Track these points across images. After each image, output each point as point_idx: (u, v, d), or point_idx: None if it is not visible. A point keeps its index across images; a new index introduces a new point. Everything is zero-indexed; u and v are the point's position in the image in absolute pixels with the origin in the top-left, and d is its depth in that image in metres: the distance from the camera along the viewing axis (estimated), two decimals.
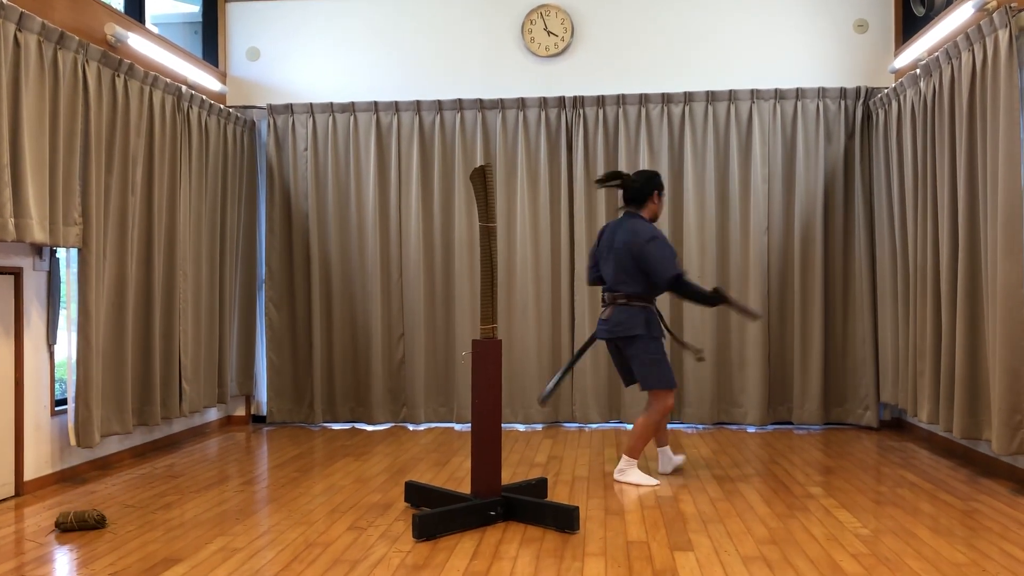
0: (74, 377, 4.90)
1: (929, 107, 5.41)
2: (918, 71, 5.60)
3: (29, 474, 4.69)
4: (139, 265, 5.49)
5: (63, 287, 5.01)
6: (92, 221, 4.91)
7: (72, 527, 3.86)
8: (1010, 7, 4.50)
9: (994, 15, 4.59)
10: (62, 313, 5.01)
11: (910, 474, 4.91)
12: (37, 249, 4.82)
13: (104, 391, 5.15)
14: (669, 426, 6.59)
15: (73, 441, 4.88)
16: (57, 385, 5.04)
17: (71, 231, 4.77)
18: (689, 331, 6.55)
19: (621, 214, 4.93)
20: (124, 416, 5.29)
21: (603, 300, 4.88)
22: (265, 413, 6.97)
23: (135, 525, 3.95)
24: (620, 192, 4.89)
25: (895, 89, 6.00)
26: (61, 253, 5.02)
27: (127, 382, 5.31)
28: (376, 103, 6.83)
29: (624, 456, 4.77)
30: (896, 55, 6.44)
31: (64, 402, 5.06)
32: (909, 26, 6.37)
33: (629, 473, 4.74)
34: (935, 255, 5.35)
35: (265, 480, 4.96)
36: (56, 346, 4.97)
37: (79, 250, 4.90)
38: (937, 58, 5.28)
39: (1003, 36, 4.52)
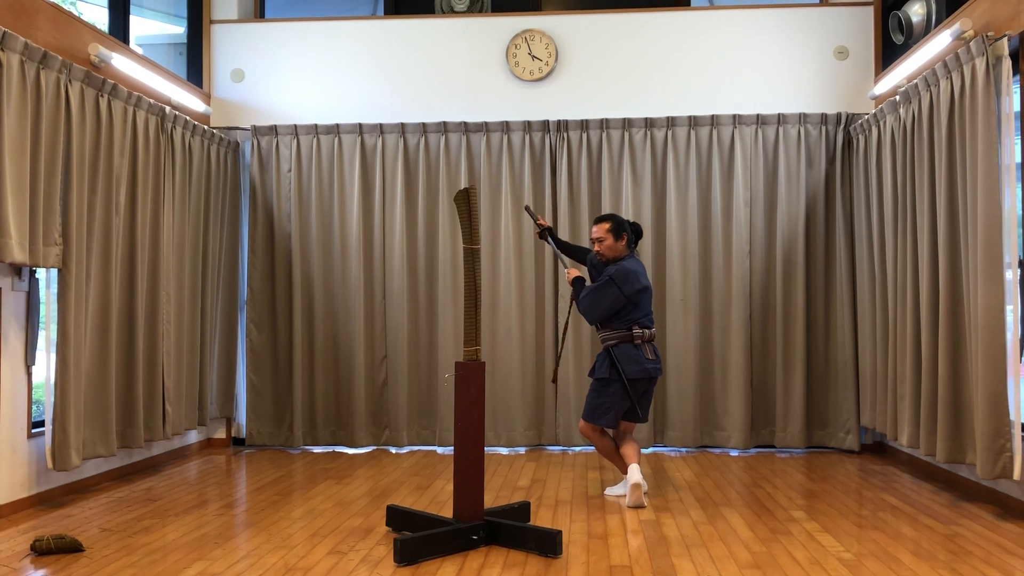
0: (52, 399, 4.84)
1: (909, 133, 5.47)
2: (898, 98, 5.67)
3: (4, 498, 4.61)
4: (122, 286, 5.45)
5: (42, 308, 4.96)
6: (73, 242, 4.87)
7: (49, 547, 3.80)
8: (987, 36, 4.57)
9: (971, 43, 4.66)
10: (41, 334, 4.96)
11: (892, 498, 4.92)
12: (16, 269, 4.77)
13: (87, 414, 5.09)
14: (653, 448, 6.61)
15: (50, 464, 4.81)
16: (35, 407, 4.98)
17: (51, 251, 4.73)
18: (672, 354, 6.57)
19: (630, 252, 5.08)
20: (108, 439, 5.22)
21: (642, 337, 4.90)
22: (245, 436, 6.91)
23: (112, 549, 3.90)
24: (615, 233, 5.02)
25: (875, 115, 6.07)
26: (41, 273, 4.97)
27: (111, 404, 5.25)
28: (361, 125, 6.84)
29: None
30: (876, 82, 6.52)
31: (42, 424, 5.00)
32: (889, 53, 6.46)
33: (619, 487, 5.02)
34: (915, 280, 5.39)
35: (245, 504, 4.91)
36: (34, 367, 4.91)
37: (59, 271, 4.86)
38: (916, 85, 5.35)
39: (980, 64, 4.59)
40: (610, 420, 4.90)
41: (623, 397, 4.87)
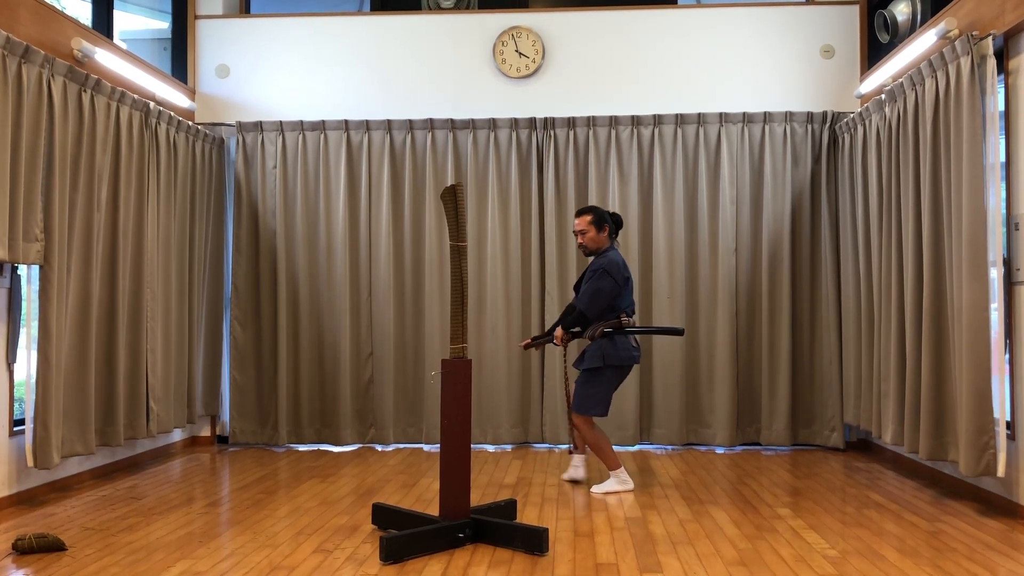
0: (32, 397, 4.79)
1: (894, 132, 5.50)
2: (883, 96, 5.69)
3: None
4: (103, 282, 5.40)
5: (24, 305, 4.91)
6: (55, 238, 4.83)
7: (31, 547, 3.76)
8: (971, 35, 4.59)
9: (956, 43, 4.68)
10: (22, 331, 4.90)
11: (876, 495, 4.94)
12: None
13: (66, 411, 5.04)
14: (639, 446, 6.62)
15: (30, 462, 4.77)
16: (16, 405, 4.93)
17: (32, 248, 4.68)
18: (658, 351, 6.57)
19: (611, 243, 5.16)
20: (87, 436, 5.17)
21: (630, 324, 5.02)
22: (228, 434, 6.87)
23: (95, 548, 3.87)
24: (597, 224, 5.11)
25: (861, 114, 6.10)
26: (23, 270, 4.92)
27: (91, 402, 5.20)
28: (347, 121, 6.81)
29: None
30: (862, 80, 6.54)
31: (23, 422, 4.95)
32: (874, 52, 6.48)
33: (607, 484, 5.06)
34: (899, 277, 5.42)
35: (229, 502, 4.88)
36: (16, 365, 4.86)
37: (40, 267, 4.81)
38: (901, 84, 5.37)
39: (965, 63, 4.61)
40: (602, 409, 4.98)
41: (614, 385, 4.99)
